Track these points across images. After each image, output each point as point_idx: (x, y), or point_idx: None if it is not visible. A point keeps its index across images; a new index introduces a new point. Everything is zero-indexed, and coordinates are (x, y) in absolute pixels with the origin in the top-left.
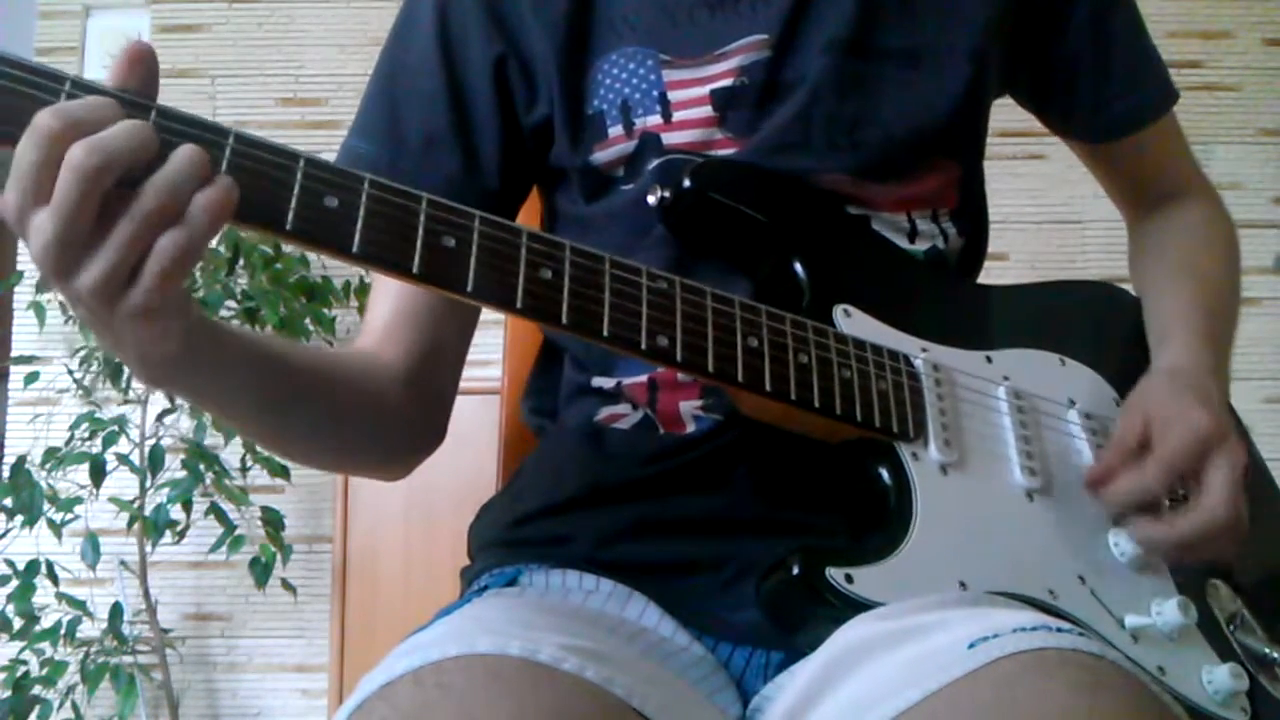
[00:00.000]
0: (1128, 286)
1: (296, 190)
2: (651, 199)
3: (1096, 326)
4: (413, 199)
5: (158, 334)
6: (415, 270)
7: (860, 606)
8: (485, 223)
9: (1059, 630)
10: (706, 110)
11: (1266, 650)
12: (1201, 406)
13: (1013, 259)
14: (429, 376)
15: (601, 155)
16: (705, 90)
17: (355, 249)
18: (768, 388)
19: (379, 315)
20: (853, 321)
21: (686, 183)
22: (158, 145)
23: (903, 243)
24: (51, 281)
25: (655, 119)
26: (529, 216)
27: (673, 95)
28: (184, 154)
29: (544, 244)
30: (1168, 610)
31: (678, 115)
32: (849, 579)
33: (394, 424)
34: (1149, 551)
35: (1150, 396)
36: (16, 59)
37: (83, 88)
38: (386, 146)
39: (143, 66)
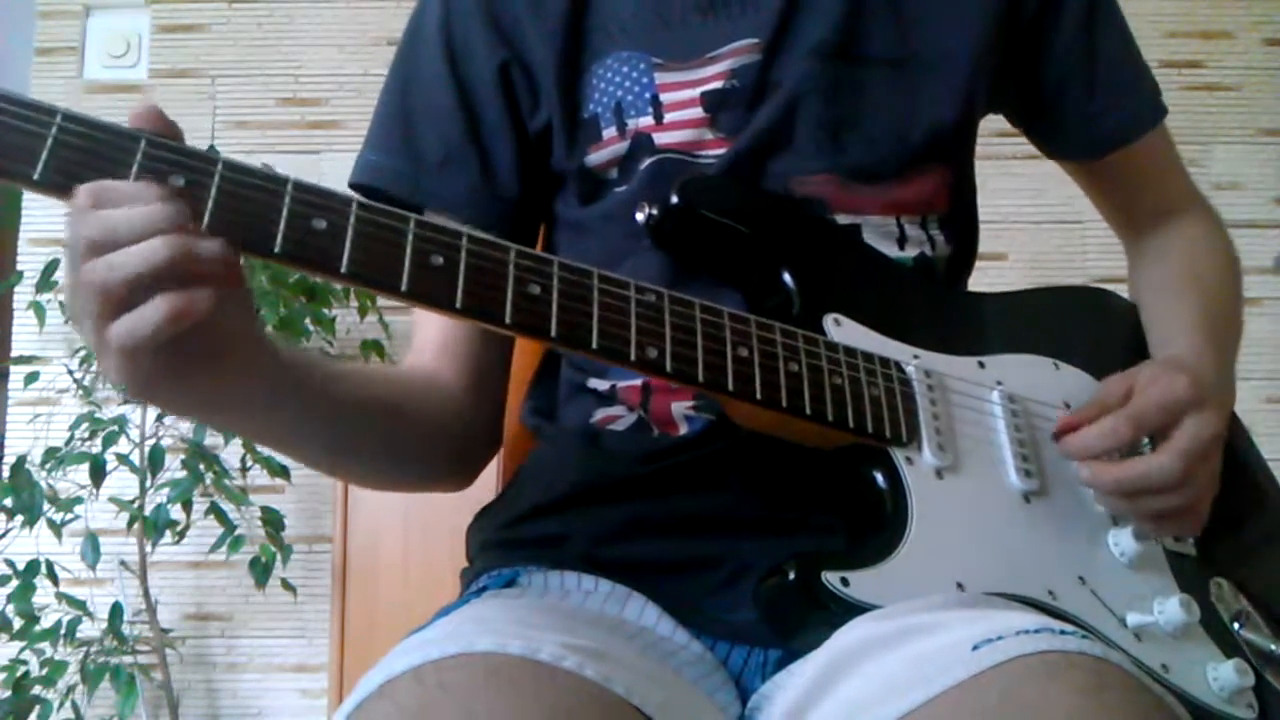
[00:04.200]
0: (1123, 289)
1: (284, 214)
2: (640, 216)
3: (1090, 331)
4: (400, 219)
5: (233, 378)
6: (403, 289)
7: (856, 610)
8: (473, 240)
9: (1062, 632)
10: (697, 111)
11: (1273, 646)
12: (1185, 377)
13: (1012, 259)
14: (484, 387)
15: (595, 157)
16: (696, 92)
17: (343, 269)
18: (758, 396)
19: (431, 338)
20: (843, 330)
21: (674, 199)
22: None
23: (892, 249)
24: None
25: (647, 120)
26: None
27: (664, 97)
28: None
29: (532, 260)
30: (1170, 608)
31: (669, 116)
32: (845, 582)
33: (458, 439)
34: (1095, 490)
35: (1141, 368)
36: (6, 94)
37: (74, 120)
38: (406, 163)
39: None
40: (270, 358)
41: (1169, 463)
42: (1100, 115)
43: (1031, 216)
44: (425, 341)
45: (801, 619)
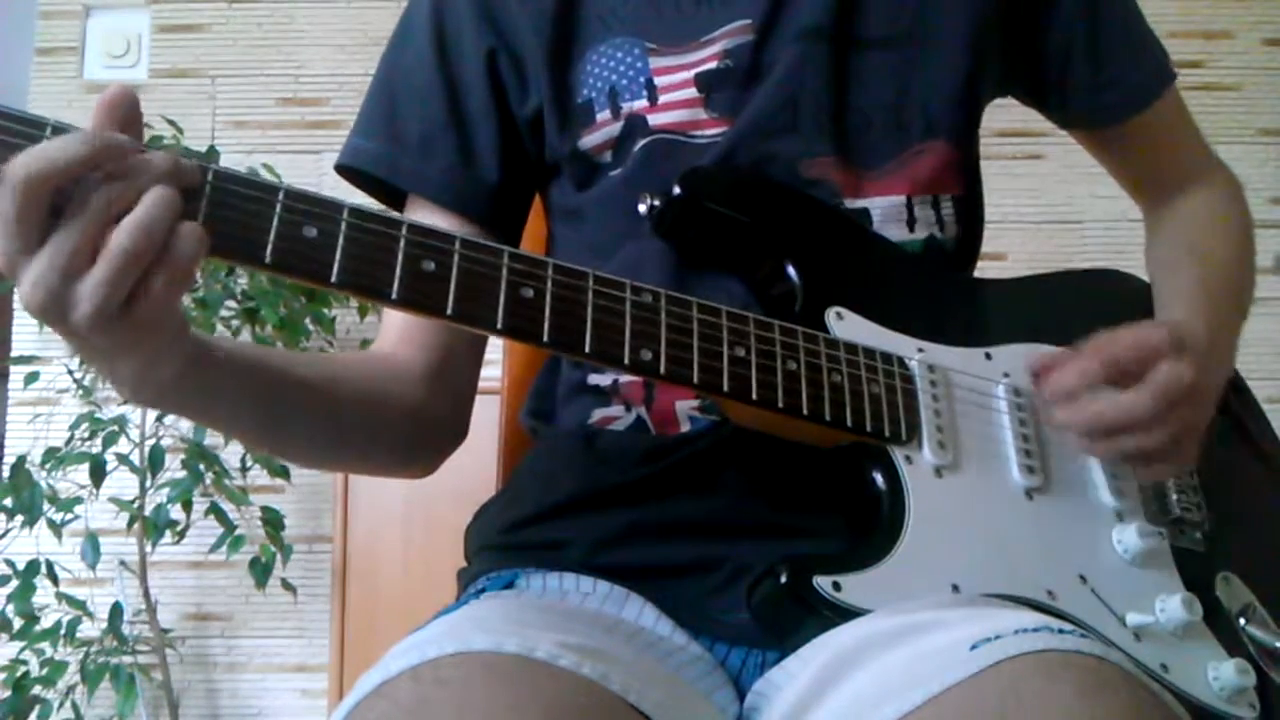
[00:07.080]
0: None
1: (275, 223)
2: (642, 208)
3: (1105, 315)
4: (393, 225)
5: (152, 361)
6: (394, 296)
7: (848, 614)
8: (466, 245)
9: (1061, 631)
10: (691, 92)
11: (1277, 643)
12: (1163, 329)
13: (1011, 259)
14: (446, 375)
15: (589, 140)
16: (690, 74)
17: (334, 278)
18: (754, 396)
19: (394, 322)
20: (846, 324)
21: (676, 190)
22: (106, 150)
23: (901, 232)
24: (43, 320)
25: (642, 103)
26: (536, 220)
27: (659, 80)
28: (156, 195)
29: (525, 263)
30: (1171, 607)
31: (664, 98)
32: (837, 587)
33: (409, 424)
34: (1071, 430)
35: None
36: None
37: (62, 132)
38: (386, 143)
39: (122, 111)
40: (180, 320)
41: (1140, 399)
42: (1108, 85)
43: (1031, 216)
44: (388, 326)
45: (793, 622)
